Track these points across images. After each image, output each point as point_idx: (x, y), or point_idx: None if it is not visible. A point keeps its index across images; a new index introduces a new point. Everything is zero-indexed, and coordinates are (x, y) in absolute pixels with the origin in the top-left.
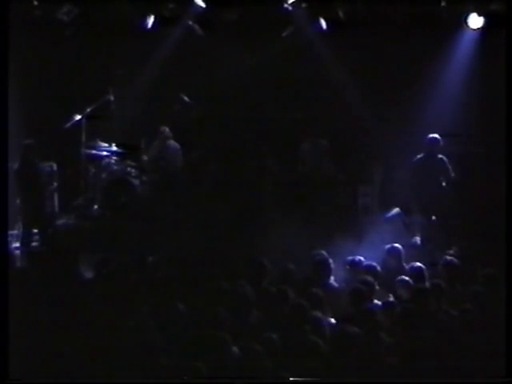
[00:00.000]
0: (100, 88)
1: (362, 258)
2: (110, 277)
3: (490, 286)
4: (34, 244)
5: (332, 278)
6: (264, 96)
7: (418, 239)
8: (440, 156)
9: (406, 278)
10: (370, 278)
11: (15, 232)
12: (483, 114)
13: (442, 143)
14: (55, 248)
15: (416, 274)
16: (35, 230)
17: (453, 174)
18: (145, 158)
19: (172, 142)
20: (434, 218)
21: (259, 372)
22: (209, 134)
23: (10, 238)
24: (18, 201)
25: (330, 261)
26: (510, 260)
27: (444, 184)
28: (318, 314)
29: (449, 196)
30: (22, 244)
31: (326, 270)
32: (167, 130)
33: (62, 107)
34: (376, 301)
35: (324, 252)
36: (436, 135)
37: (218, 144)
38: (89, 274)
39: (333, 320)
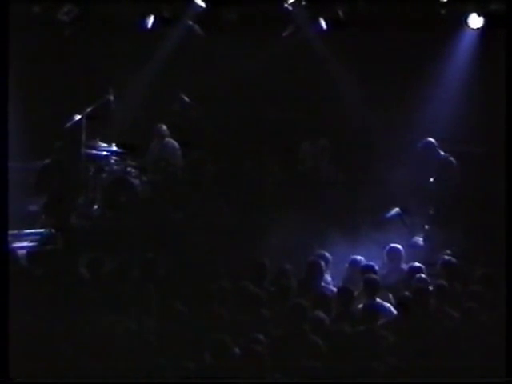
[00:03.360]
0: (100, 88)
1: (362, 258)
2: (109, 276)
3: (490, 285)
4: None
5: (329, 278)
6: (264, 96)
7: (418, 239)
8: (444, 154)
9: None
10: (375, 277)
11: (23, 231)
12: (483, 113)
13: (436, 145)
14: (55, 248)
15: (418, 274)
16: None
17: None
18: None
19: (170, 141)
20: (432, 217)
21: (259, 372)
22: (209, 133)
23: (16, 238)
24: (46, 200)
25: (322, 262)
26: (509, 260)
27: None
28: (319, 313)
29: (450, 196)
30: (42, 243)
31: (317, 271)
32: (164, 127)
33: (62, 107)
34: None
35: (322, 252)
36: (430, 139)
37: (217, 144)
38: (88, 274)
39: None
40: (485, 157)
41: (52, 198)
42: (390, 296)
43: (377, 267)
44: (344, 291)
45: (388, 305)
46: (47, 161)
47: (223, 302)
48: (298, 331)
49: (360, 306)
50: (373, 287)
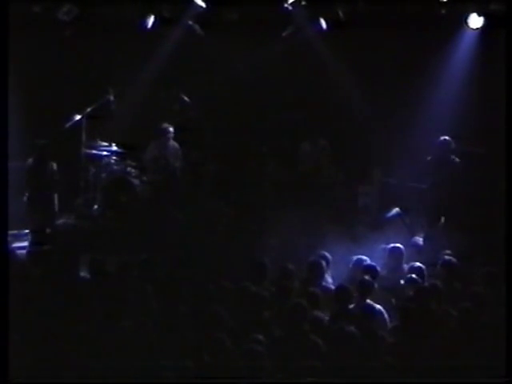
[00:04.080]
0: (100, 88)
1: (367, 259)
2: (110, 277)
3: (490, 285)
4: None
5: (329, 279)
6: (264, 96)
7: (418, 239)
8: (454, 157)
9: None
10: (368, 278)
11: (23, 231)
12: (483, 113)
13: (453, 145)
14: (55, 248)
15: (416, 274)
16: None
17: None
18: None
19: (172, 142)
20: (442, 219)
21: (259, 372)
22: (209, 133)
23: (16, 238)
24: (26, 199)
25: (323, 262)
26: (509, 259)
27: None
28: (318, 313)
29: (450, 196)
30: (31, 243)
31: (319, 272)
32: (171, 128)
33: (62, 107)
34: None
35: (323, 252)
36: (447, 137)
37: (217, 144)
38: (88, 274)
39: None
40: (485, 157)
41: (31, 197)
42: (393, 300)
43: (378, 268)
44: (342, 290)
45: (379, 306)
46: (30, 160)
47: (223, 301)
48: (299, 331)
49: (351, 306)
50: (365, 289)
